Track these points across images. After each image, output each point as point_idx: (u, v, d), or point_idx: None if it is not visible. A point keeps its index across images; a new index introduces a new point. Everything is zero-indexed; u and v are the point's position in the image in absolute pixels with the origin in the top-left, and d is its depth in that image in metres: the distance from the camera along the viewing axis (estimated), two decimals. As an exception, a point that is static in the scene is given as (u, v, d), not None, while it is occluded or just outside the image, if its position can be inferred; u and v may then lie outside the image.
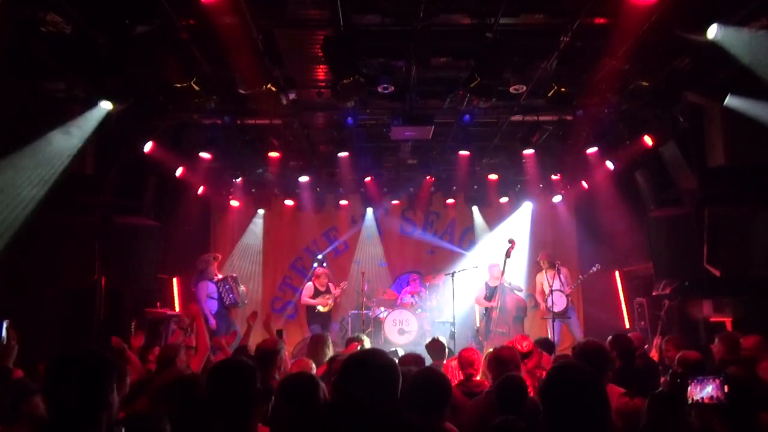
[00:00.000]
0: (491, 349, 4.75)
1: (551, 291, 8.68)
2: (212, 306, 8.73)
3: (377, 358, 2.24)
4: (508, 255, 8.30)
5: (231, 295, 8.73)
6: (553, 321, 8.67)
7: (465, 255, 11.66)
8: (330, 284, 9.96)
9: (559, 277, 8.72)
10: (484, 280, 9.47)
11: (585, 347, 4.03)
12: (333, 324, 11.26)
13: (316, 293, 9.80)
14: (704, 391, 2.74)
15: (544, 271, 9.20)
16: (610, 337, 4.79)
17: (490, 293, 8.91)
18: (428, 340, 5.81)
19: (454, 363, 4.81)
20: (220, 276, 9.11)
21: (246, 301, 9.28)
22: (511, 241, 8.38)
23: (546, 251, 9.72)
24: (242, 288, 9.29)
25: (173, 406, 2.84)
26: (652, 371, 4.83)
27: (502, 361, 4.10)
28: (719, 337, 5.03)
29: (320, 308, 9.69)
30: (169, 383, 3.12)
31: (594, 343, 4.13)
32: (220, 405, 2.51)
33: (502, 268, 8.46)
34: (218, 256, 9.49)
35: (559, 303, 8.59)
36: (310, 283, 9.90)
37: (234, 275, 9.32)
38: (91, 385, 2.08)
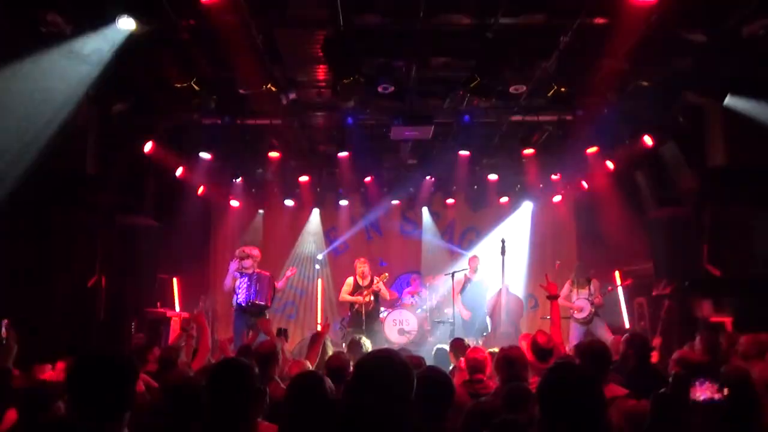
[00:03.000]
0: (495, 350, 4.72)
1: (578, 299, 8.55)
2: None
3: (392, 359, 2.21)
4: (503, 253, 8.28)
5: (244, 294, 8.05)
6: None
7: (465, 255, 11.65)
8: (375, 276, 8.75)
9: (589, 289, 8.61)
10: (464, 274, 9.12)
11: (588, 347, 4.02)
12: (334, 323, 11.26)
13: (357, 288, 8.59)
14: (705, 392, 2.75)
15: (576, 288, 8.73)
16: (626, 336, 4.78)
17: (474, 288, 8.74)
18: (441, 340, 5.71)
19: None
20: (249, 272, 8.25)
21: (260, 302, 8.18)
22: (503, 240, 8.37)
23: (577, 265, 9.17)
24: (278, 284, 8.38)
25: (180, 407, 2.86)
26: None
27: (511, 361, 4.08)
28: (699, 336, 5.04)
29: (364, 302, 8.42)
30: (174, 384, 3.13)
31: (597, 344, 4.11)
32: (219, 404, 2.53)
33: (501, 268, 8.38)
34: (254, 254, 8.45)
35: (585, 310, 8.51)
36: (350, 278, 8.83)
37: (266, 274, 8.30)
38: (118, 385, 2.12)
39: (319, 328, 10.72)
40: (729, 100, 6.39)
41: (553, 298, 5.26)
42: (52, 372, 4.82)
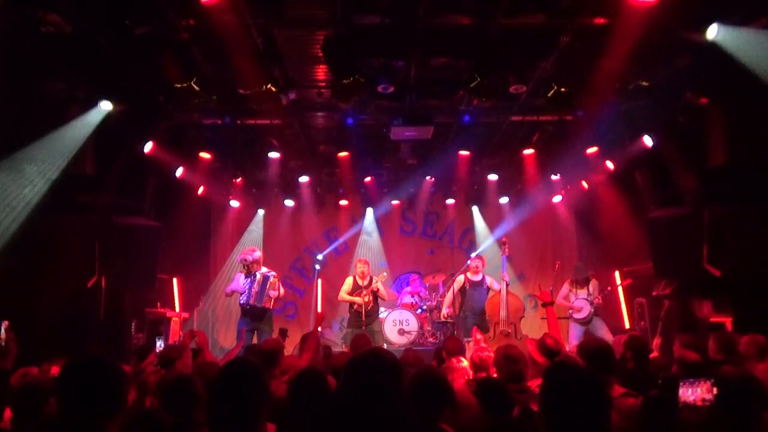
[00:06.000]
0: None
1: (576, 299, 8.50)
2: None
3: (382, 358, 2.25)
4: (505, 253, 8.26)
5: (245, 296, 7.88)
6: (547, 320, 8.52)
7: (465, 255, 11.66)
8: (373, 276, 8.57)
9: (588, 289, 8.58)
10: (464, 275, 8.84)
11: (591, 347, 4.00)
12: (334, 323, 11.27)
13: (356, 288, 8.41)
14: (695, 393, 2.75)
15: (575, 288, 8.58)
16: (626, 337, 4.76)
17: (472, 288, 8.69)
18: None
19: (465, 363, 4.77)
20: (253, 273, 8.01)
21: (258, 305, 7.91)
22: (505, 242, 8.35)
23: (576, 265, 8.96)
24: (272, 292, 7.94)
25: (176, 405, 2.87)
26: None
27: (511, 359, 4.08)
28: (713, 335, 5.02)
29: (363, 302, 8.22)
30: (171, 382, 3.13)
31: (601, 343, 4.10)
32: (231, 404, 2.54)
33: (503, 267, 8.35)
34: (255, 256, 8.13)
35: (584, 310, 8.47)
36: (350, 277, 8.61)
37: (266, 274, 7.98)
38: (108, 387, 2.12)
39: (318, 328, 10.74)
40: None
41: (547, 305, 5.28)
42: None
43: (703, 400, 2.69)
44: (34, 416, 3.15)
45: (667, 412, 2.75)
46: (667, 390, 2.86)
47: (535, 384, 3.93)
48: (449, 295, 8.77)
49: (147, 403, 3.63)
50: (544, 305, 5.35)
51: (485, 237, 11.88)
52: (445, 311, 8.58)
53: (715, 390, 2.67)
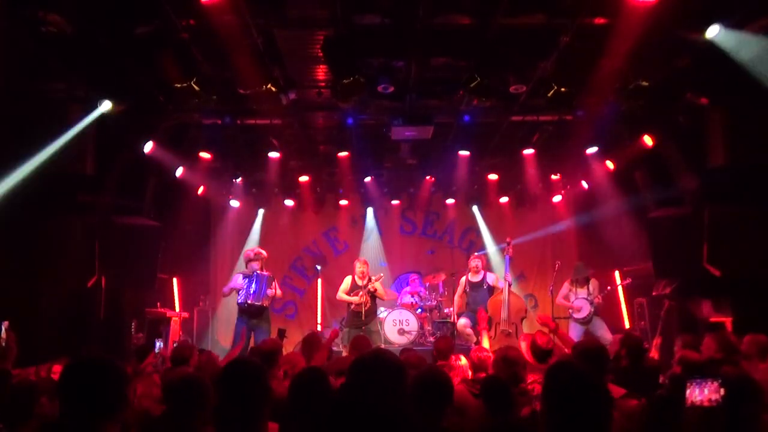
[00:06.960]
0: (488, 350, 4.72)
1: (576, 299, 8.47)
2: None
3: (386, 360, 2.25)
4: (509, 254, 8.26)
5: (243, 295, 7.92)
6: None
7: (465, 255, 11.65)
8: (372, 276, 8.55)
9: (588, 288, 8.55)
10: (465, 276, 8.82)
11: (585, 347, 4.03)
12: (334, 323, 11.26)
13: (354, 288, 8.40)
14: (702, 393, 2.74)
15: (575, 288, 8.57)
16: (620, 335, 4.78)
17: (472, 289, 8.68)
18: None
19: (463, 361, 4.77)
20: (252, 272, 8.08)
21: (256, 303, 7.93)
22: (509, 242, 8.35)
23: (576, 265, 8.97)
24: (270, 291, 7.98)
25: (183, 405, 2.87)
26: (656, 373, 4.80)
27: (509, 362, 4.09)
28: (710, 335, 5.02)
29: (360, 302, 8.26)
30: (178, 382, 3.14)
31: (594, 343, 4.13)
32: (234, 403, 2.55)
33: (505, 268, 8.34)
34: (263, 255, 8.29)
35: (584, 310, 8.45)
36: (348, 277, 8.57)
37: (264, 274, 8.09)
38: (110, 387, 2.13)
39: (318, 328, 10.75)
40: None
41: (554, 332, 5.23)
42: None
43: (710, 400, 2.69)
44: (26, 416, 3.17)
45: (674, 413, 2.75)
46: (674, 390, 2.85)
47: (529, 380, 3.95)
48: (456, 299, 8.80)
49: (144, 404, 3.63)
50: (552, 332, 5.27)
51: (485, 237, 11.86)
52: (455, 317, 8.57)
53: (722, 390, 2.67)
